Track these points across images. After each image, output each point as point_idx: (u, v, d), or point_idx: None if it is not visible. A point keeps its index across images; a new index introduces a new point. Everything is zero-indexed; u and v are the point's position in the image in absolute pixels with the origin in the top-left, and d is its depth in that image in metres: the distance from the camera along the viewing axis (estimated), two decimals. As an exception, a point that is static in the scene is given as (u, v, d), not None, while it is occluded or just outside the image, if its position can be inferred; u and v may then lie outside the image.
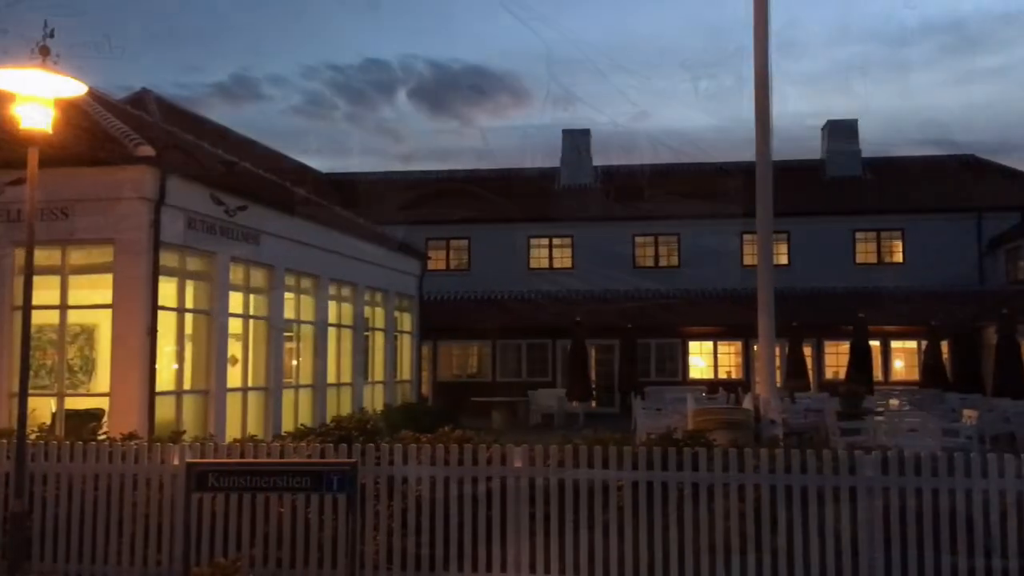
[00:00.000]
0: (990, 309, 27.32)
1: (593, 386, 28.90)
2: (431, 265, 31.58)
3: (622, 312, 30.12)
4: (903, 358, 29.82)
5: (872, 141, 73.41)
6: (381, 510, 7.47)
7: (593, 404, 28.51)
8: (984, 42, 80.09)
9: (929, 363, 26.49)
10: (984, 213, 33.22)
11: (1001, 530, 6.62)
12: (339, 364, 19.73)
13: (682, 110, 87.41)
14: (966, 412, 16.59)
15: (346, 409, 19.07)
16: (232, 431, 14.59)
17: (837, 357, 28.80)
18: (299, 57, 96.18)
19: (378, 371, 22.24)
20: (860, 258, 33.94)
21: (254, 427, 15.52)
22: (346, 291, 20.38)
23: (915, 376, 28.16)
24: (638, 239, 34.95)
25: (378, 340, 22.33)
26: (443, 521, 7.40)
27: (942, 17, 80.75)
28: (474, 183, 39.35)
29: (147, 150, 12.77)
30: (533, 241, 35.49)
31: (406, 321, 24.59)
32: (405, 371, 24.34)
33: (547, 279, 34.30)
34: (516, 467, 7.39)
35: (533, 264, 35.34)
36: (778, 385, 25.05)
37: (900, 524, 6.77)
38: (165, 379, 13.80)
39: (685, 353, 30.45)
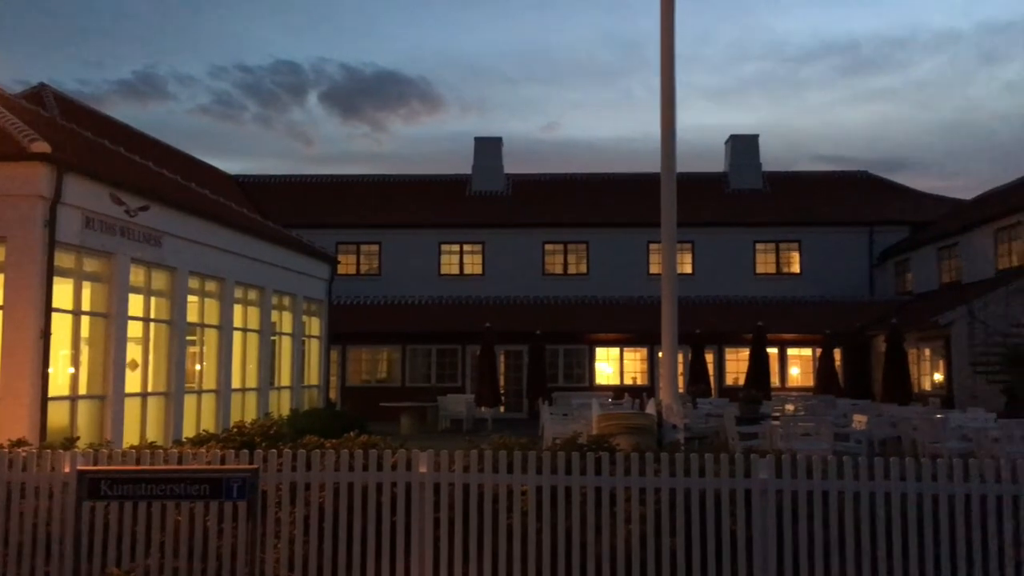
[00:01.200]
0: (880, 319, 28.59)
1: (502, 391, 29.06)
2: (341, 269, 31.24)
3: (531, 318, 30.39)
4: (799, 365, 30.90)
5: (773, 155, 75.95)
6: (283, 517, 7.36)
7: (502, 409, 28.67)
8: (878, 64, 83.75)
9: (823, 370, 27.49)
10: (875, 227, 34.74)
11: (886, 531, 6.94)
12: (244, 369, 19.35)
13: (593, 121, 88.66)
14: (856, 417, 17.26)
15: (251, 415, 18.71)
16: (130, 437, 14.16)
17: (737, 363, 29.66)
18: (208, 56, 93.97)
19: (285, 376, 21.88)
20: (760, 268, 35.04)
21: (154, 433, 15.09)
22: (253, 295, 20.01)
23: (810, 382, 29.23)
24: (548, 246, 35.32)
25: (285, 345, 21.99)
26: (346, 527, 7.34)
27: (839, 39, 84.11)
28: (386, 188, 39.16)
29: (42, 146, 12.31)
30: (444, 247, 35.50)
31: (315, 325, 24.26)
32: (313, 376, 24.00)
33: (458, 285, 34.38)
34: (421, 472, 7.39)
35: (444, 270, 35.35)
36: (681, 391, 25.73)
37: (792, 525, 7.02)
38: (59, 384, 13.31)
39: (592, 359, 30.89)
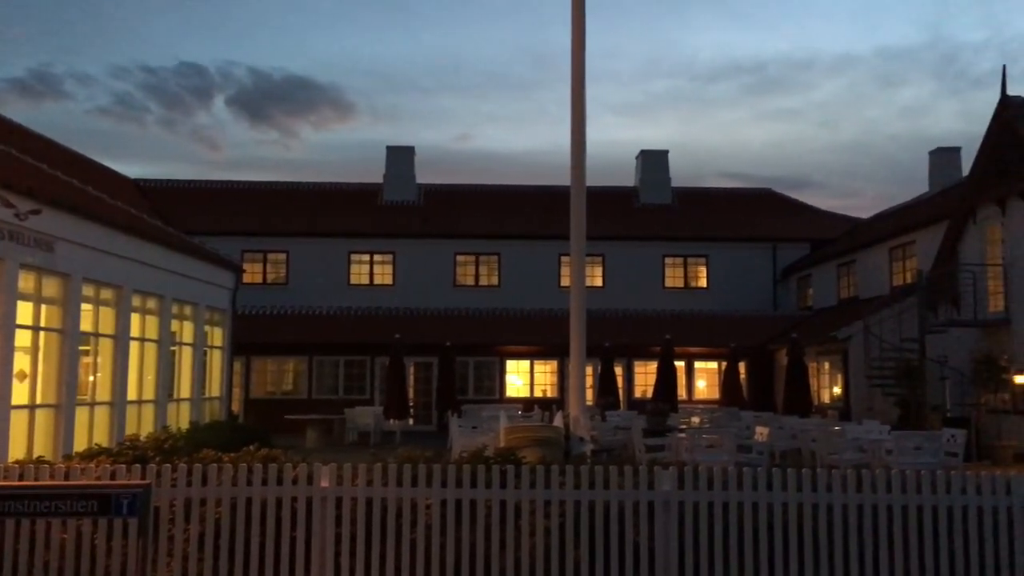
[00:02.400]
0: (782, 333, 29.40)
1: (411, 404, 28.80)
2: (246, 278, 30.52)
3: (442, 330, 30.24)
4: (705, 377, 31.52)
5: (682, 171, 77.63)
6: (177, 534, 7.09)
7: (411, 422, 28.40)
8: (783, 84, 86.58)
9: (728, 383, 28.12)
10: (779, 244, 35.77)
11: (783, 541, 7.07)
12: (142, 380, 18.67)
13: (506, 133, 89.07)
14: (758, 429, 17.67)
15: (148, 428, 18.04)
16: (16, 452, 13.48)
17: (646, 376, 30.07)
18: (108, 55, 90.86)
19: (185, 388, 21.20)
20: (669, 282, 35.66)
21: (42, 447, 14.39)
22: (152, 303, 19.34)
23: (716, 395, 29.83)
24: (459, 257, 35.25)
25: (186, 355, 21.31)
26: (244, 544, 7.11)
27: (746, 59, 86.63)
28: (294, 195, 38.50)
29: (-76, 144, 11.66)
30: (354, 256, 35.07)
31: (217, 336, 23.59)
32: (215, 388, 23.32)
33: (367, 295, 33.98)
34: (323, 487, 7.21)
35: (353, 280, 34.91)
36: (590, 403, 25.94)
37: (694, 535, 7.09)
38: (-62, 395, 12.57)
39: (503, 371, 30.90)
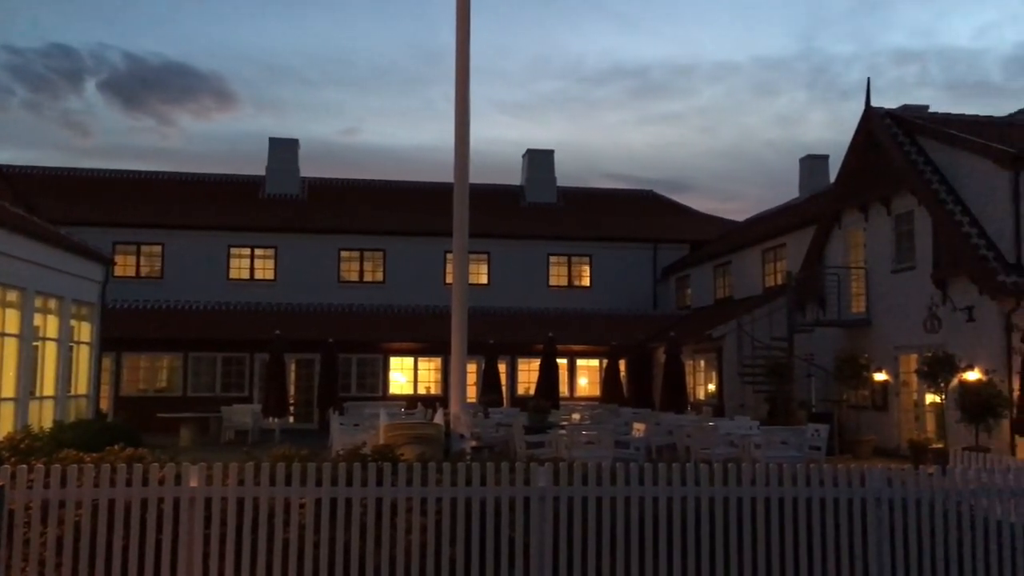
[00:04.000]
0: (661, 331, 30.19)
1: (291, 401, 28.23)
2: (119, 271, 29.34)
3: (324, 326, 29.75)
4: (587, 375, 32.05)
5: (567, 171, 78.72)
6: (33, 538, 6.75)
7: (291, 420, 27.83)
8: (665, 89, 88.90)
9: (608, 380, 28.67)
10: (659, 244, 36.70)
11: (653, 533, 7.26)
12: (0, 377, 17.65)
13: (393, 128, 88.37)
14: (635, 425, 18.09)
15: (7, 428, 17.07)
16: None
17: (529, 373, 30.35)
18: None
19: (49, 385, 20.16)
20: (553, 281, 36.11)
21: None
22: (12, 296, 18.31)
23: (597, 392, 30.36)
24: (343, 253, 34.76)
25: (50, 351, 20.27)
26: (106, 547, 6.82)
27: (631, 63, 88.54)
28: (171, 186, 37.19)
29: None
30: (234, 250, 34.13)
31: (84, 331, 22.53)
32: (82, 385, 22.27)
33: (247, 290, 33.14)
34: (192, 487, 6.99)
35: (233, 274, 33.97)
36: (473, 400, 26.01)
37: (568, 531, 7.20)
38: None
39: (386, 368, 30.63)
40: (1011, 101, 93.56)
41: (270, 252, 34.25)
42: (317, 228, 34.58)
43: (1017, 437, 16.78)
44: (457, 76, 11.35)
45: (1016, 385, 16.86)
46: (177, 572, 6.87)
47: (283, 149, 37.85)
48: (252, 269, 34.15)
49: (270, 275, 34.13)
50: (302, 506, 7.08)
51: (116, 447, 7.87)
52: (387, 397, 29.24)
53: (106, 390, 27.38)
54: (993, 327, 17.96)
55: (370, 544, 7.02)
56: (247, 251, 34.19)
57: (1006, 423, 17.06)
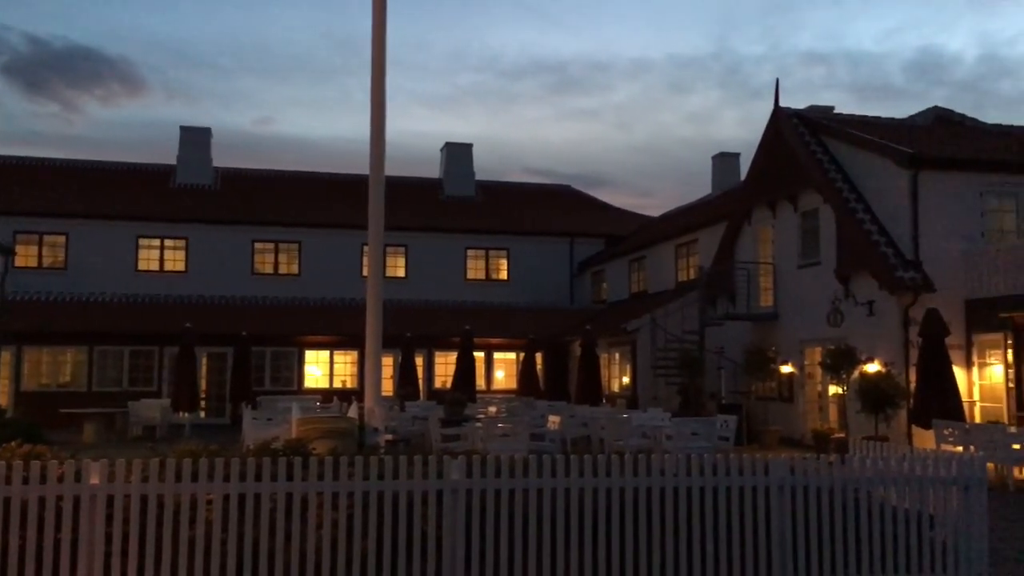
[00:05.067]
0: (578, 325, 30.51)
1: (203, 396, 27.64)
2: (19, 262, 28.19)
3: (238, 319, 29.18)
4: (504, 368, 32.19)
5: (486, 165, 78.78)
6: (-81, 541, 6.45)
7: (202, 415, 27.26)
8: (583, 85, 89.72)
9: (525, 373, 28.88)
10: (576, 239, 37.06)
11: (565, 524, 7.34)
12: None
13: (310, 118, 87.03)
14: (551, 418, 18.26)
15: None
16: None
17: (446, 367, 30.33)
18: None
19: (-58, 380, 19.28)
20: (471, 274, 36.13)
21: None
22: (-98, 286, 17.44)
23: (514, 385, 30.54)
24: (258, 244, 34.12)
25: (-57, 344, 19.38)
26: (1, 547, 6.57)
27: (549, 58, 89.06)
28: (77, 174, 35.91)
29: None
30: (143, 241, 33.18)
31: (-19, 323, 21.59)
32: (-22, 380, 21.36)
33: (157, 282, 32.27)
34: (93, 484, 6.78)
35: (142, 266, 33.03)
36: (390, 394, 25.87)
37: (481, 523, 7.23)
38: None
39: (301, 362, 30.22)
40: (912, 103, 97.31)
41: (181, 243, 33.39)
42: (230, 219, 33.86)
43: (913, 426, 17.52)
44: (373, 66, 11.25)
45: (912, 377, 17.59)
46: (78, 572, 6.66)
47: (195, 138, 36.91)
48: (162, 260, 33.25)
49: (181, 267, 33.29)
50: (209, 502, 6.94)
51: (13, 443, 7.58)
52: (302, 391, 28.86)
53: (5, 385, 26.36)
54: (892, 321, 18.70)
55: (280, 540, 6.93)
56: (156, 242, 33.27)
57: (903, 413, 17.80)
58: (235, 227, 33.68)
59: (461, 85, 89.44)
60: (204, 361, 28.49)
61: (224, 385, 28.24)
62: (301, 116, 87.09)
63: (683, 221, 31.38)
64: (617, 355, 29.24)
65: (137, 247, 33.00)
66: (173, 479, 6.94)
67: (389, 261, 34.21)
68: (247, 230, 33.87)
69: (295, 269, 34.35)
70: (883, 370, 18.16)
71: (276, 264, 34.36)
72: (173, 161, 36.87)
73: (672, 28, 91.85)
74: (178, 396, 24.80)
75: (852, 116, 23.03)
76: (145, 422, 24.02)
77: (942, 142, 20.97)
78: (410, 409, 21.98)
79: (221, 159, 38.04)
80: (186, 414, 24.63)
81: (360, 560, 6.99)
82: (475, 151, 40.25)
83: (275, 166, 40.67)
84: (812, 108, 23.59)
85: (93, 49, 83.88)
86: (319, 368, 30.56)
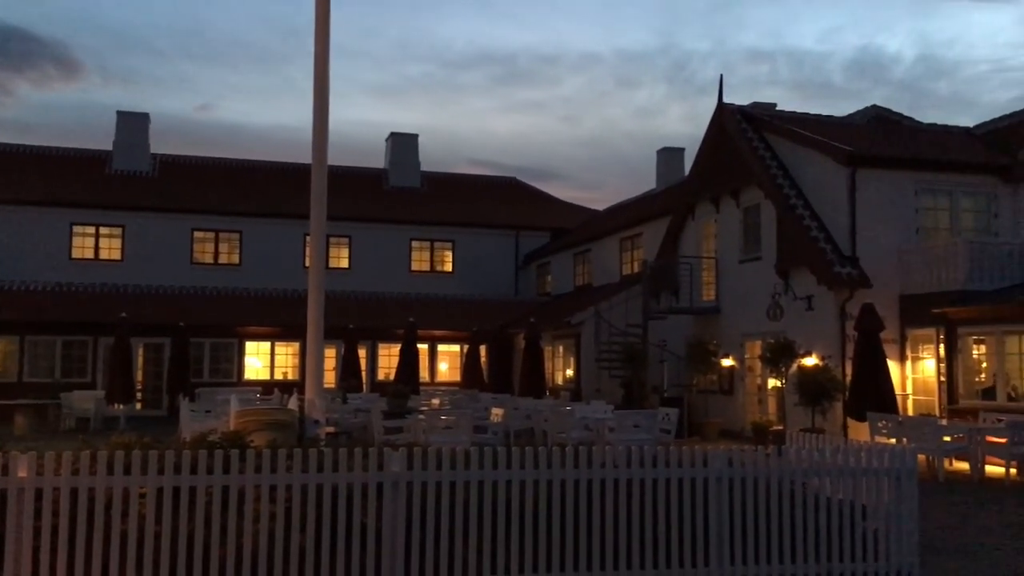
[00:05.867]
0: (522, 318, 30.56)
1: (139, 387, 27.07)
2: (-55, 248, 27.26)
3: (176, 309, 28.63)
4: (448, 360, 32.11)
5: (432, 156, 78.47)
6: None
7: (139, 406, 26.70)
8: (531, 77, 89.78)
9: (469, 365, 28.83)
10: (521, 231, 37.10)
11: (506, 517, 7.32)
12: None
13: (252, 105, 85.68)
14: (494, 410, 18.26)
15: None
16: None
17: (390, 359, 30.15)
18: None
19: None
20: (415, 266, 35.96)
21: None
22: None
23: (458, 377, 30.47)
24: (197, 233, 33.52)
25: None
26: (-79, 544, 6.34)
27: (496, 50, 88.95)
28: (8, 159, 34.84)
29: None
30: (77, 228, 32.36)
31: (-95, 311, 20.85)
32: (-99, 370, 20.63)
33: (92, 271, 31.51)
34: (20, 477, 6.57)
35: (76, 254, 32.22)
36: (332, 386, 25.61)
37: (421, 516, 7.18)
38: None
39: (242, 353, 29.78)
40: (852, 102, 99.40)
41: (117, 231, 32.63)
42: (168, 207, 33.19)
43: (849, 419, 17.91)
44: (316, 54, 11.08)
45: (849, 370, 17.98)
46: (4, 567, 6.46)
47: (132, 123, 36.06)
48: (97, 248, 32.47)
49: (117, 255, 32.54)
50: (142, 496, 6.78)
51: (-65, 436, 7.32)
52: (242, 383, 28.46)
53: (-71, 376, 25.50)
54: (829, 315, 19.08)
55: (215, 534, 6.80)
56: (91, 229, 32.47)
57: (839, 406, 18.19)
58: (173, 215, 33.02)
59: (408, 75, 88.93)
60: (140, 352, 27.93)
61: (161, 376, 27.72)
62: (243, 103, 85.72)
63: (628, 215, 31.60)
64: (561, 348, 29.36)
65: (71, 234, 32.17)
66: (105, 472, 6.76)
67: (332, 251, 33.86)
68: (186, 218, 33.24)
69: (236, 259, 33.81)
70: (820, 363, 18.52)
71: (216, 253, 33.79)
72: (109, 147, 35.97)
73: (620, 23, 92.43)
74: (113, 388, 24.24)
75: (794, 113, 23.41)
76: (79, 414, 23.45)
77: (879, 141, 21.43)
78: (352, 401, 21.80)
79: (160, 146, 37.29)
80: (121, 406, 24.09)
81: (298, 553, 6.90)
82: (421, 142, 40.08)
83: (216, 153, 39.91)
84: (755, 105, 23.91)
85: (25, 30, 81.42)
86: (260, 360, 30.13)
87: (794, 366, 18.98)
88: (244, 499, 6.92)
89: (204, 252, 33.72)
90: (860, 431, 17.13)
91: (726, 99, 23.30)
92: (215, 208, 33.69)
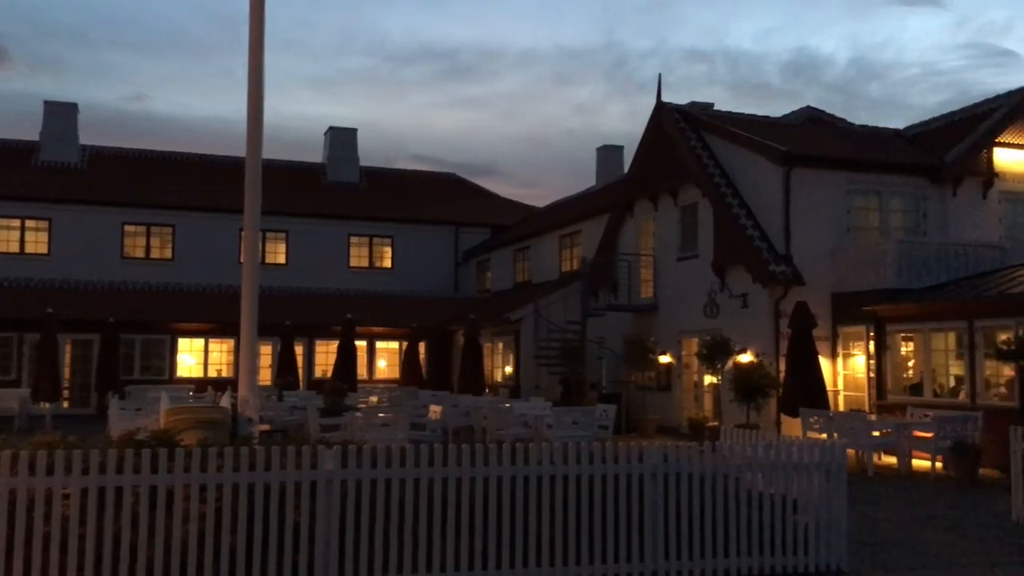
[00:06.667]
0: (462, 314, 30.47)
1: (66, 385, 26.33)
2: None
3: (105, 305, 27.90)
4: (387, 357, 31.89)
5: (372, 151, 77.75)
6: None
7: (65, 405, 25.96)
8: (472, 73, 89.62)
9: (408, 362, 28.65)
10: (461, 228, 37.02)
11: (442, 514, 7.27)
12: None
13: (188, 97, 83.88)
14: (432, 408, 18.17)
15: None
16: None
17: (327, 356, 29.81)
18: None
19: None
20: (354, 262, 35.63)
21: None
22: None
23: (397, 374, 30.27)
24: (128, 227, 32.73)
25: None
26: None
27: (438, 45, 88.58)
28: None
29: None
30: (1, 222, 31.32)
31: None
32: None
33: (17, 265, 30.55)
34: (-66, 479, 6.32)
35: (0, 248, 31.15)
36: (268, 383, 25.23)
37: (356, 514, 7.09)
38: None
39: (174, 350, 29.15)
40: (788, 102, 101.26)
41: (43, 224, 31.69)
42: (98, 200, 32.33)
43: (782, 414, 18.24)
44: (251, 43, 10.83)
45: (782, 367, 18.30)
46: (-86, 574, 6.20)
47: (60, 113, 35.04)
48: (22, 242, 31.49)
49: (43, 249, 31.61)
50: (67, 496, 6.57)
51: None
52: (175, 380, 27.88)
53: None
54: (764, 313, 19.40)
55: (143, 535, 6.62)
56: (16, 222, 31.49)
57: (773, 402, 18.50)
58: (103, 208, 32.18)
59: (348, 68, 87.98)
60: (68, 348, 27.18)
61: (90, 374, 26.98)
62: (177, 94, 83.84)
63: (567, 212, 31.73)
64: (501, 345, 29.35)
65: (-4, 227, 31.14)
66: (26, 472, 6.53)
67: (269, 247, 33.38)
68: (116, 212, 32.42)
69: (168, 254, 33.12)
70: (755, 360, 18.82)
71: (148, 248, 33.03)
72: (37, 137, 34.89)
73: (561, 20, 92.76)
74: (39, 385, 23.51)
75: (731, 113, 23.74)
76: (2, 412, 22.70)
77: (813, 141, 21.85)
78: (289, 399, 21.49)
79: (89, 137, 36.27)
80: (47, 404, 23.38)
81: (229, 554, 6.76)
82: (361, 137, 39.72)
83: (149, 146, 38.98)
84: (693, 104, 24.18)
85: (-52, 15, 78.47)
86: (193, 357, 29.54)
87: (730, 363, 19.25)
88: (173, 499, 6.76)
89: (135, 247, 32.94)
90: (793, 427, 17.45)
91: (665, 98, 23.54)
92: (147, 201, 32.92)
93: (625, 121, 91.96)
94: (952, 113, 23.14)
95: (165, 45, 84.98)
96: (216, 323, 28.46)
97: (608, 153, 35.35)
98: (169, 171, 35.85)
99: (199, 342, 29.48)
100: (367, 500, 7.12)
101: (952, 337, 17.13)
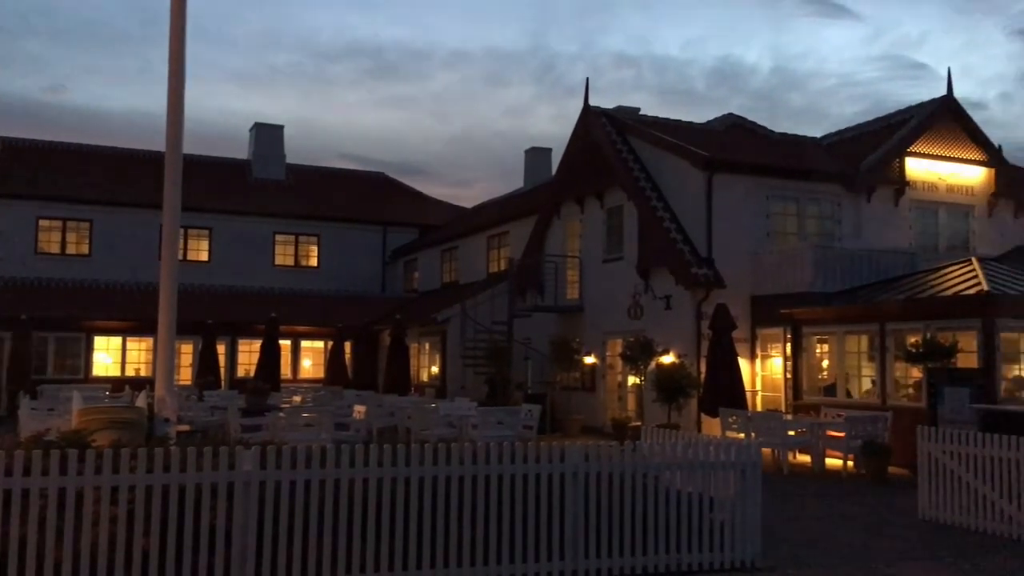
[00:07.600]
0: (389, 314, 30.31)
1: (-26, 384, 25.35)
2: None
3: (18, 301, 26.96)
4: (312, 357, 31.51)
5: (299, 149, 76.74)
6: None
7: (-28, 405, 24.97)
8: (401, 72, 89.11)
9: (333, 362, 28.38)
10: (389, 227, 36.80)
11: (362, 515, 7.23)
12: None
13: (108, 89, 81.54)
14: (357, 408, 18.03)
15: None
16: None
17: (250, 355, 29.31)
18: None
19: None
20: (279, 260, 35.13)
21: None
22: None
23: (322, 374, 29.94)
24: (43, 222, 31.71)
25: None
26: None
27: (367, 42, 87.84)
28: None
29: None
30: (-94, 213, 29.96)
31: None
32: None
33: (-78, 259, 29.23)
34: None
35: (-96, 240, 29.84)
36: (189, 382, 24.70)
37: (274, 515, 7.00)
38: None
39: (90, 348, 28.32)
40: (712, 109, 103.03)
41: (-48, 217, 30.44)
42: (12, 193, 31.23)
43: (703, 415, 18.59)
44: (172, 29, 10.61)
45: (703, 368, 18.66)
46: None
47: (-29, 102, 33.70)
48: (-72, 235, 30.19)
49: (-48, 243, 30.35)
50: (-31, 500, 6.34)
51: None
52: (91, 379, 27.08)
53: None
54: (686, 315, 19.75)
55: (51, 538, 6.43)
56: (-77, 215, 30.18)
57: (694, 402, 18.85)
58: (17, 201, 31.09)
59: (274, 64, 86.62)
60: (-23, 346, 26.15)
61: (0, 373, 26.02)
62: (97, 86, 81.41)
63: (495, 213, 31.80)
64: (427, 345, 29.25)
65: (-101, 220, 29.83)
66: (-78, 475, 6.29)
67: (192, 244, 32.69)
68: (31, 205, 31.36)
69: (85, 249, 32.15)
70: (677, 361, 19.14)
71: (64, 243, 32.02)
72: (-55, 126, 33.54)
73: (491, 21, 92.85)
74: (-56, 385, 22.59)
75: (656, 118, 24.10)
76: (-96, 413, 21.72)
77: (735, 147, 22.34)
78: (209, 398, 21.06)
79: (4, 128, 35.03)
80: (-47, 404, 22.50)
81: (141, 557, 6.61)
82: (287, 133, 39.15)
83: (67, 138, 37.71)
84: (620, 109, 24.48)
85: None
86: (110, 355, 28.73)
87: (652, 364, 19.54)
88: (83, 501, 6.58)
89: (50, 241, 31.90)
90: (713, 426, 17.80)
91: (593, 102, 23.79)
92: (63, 195, 31.91)
93: (554, 124, 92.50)
94: (867, 123, 23.94)
95: (84, 35, 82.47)
96: (135, 321, 27.72)
97: (536, 155, 35.54)
98: (87, 164, 34.80)
99: (116, 340, 28.69)
100: (287, 501, 7.05)
101: (865, 340, 17.70)
